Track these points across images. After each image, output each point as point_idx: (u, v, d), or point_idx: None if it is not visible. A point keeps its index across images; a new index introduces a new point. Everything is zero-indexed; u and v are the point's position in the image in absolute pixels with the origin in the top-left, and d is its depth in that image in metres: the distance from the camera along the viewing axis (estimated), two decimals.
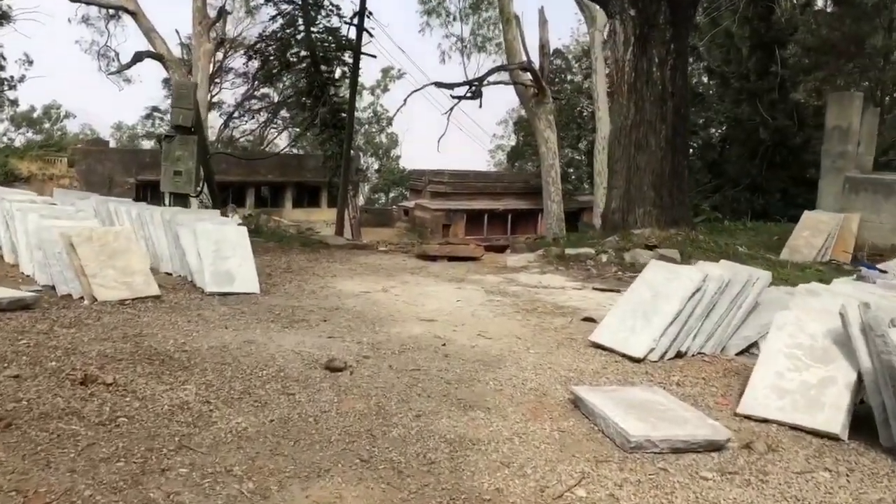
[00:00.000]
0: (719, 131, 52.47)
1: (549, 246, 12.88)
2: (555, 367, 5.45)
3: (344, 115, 41.78)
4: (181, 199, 13.87)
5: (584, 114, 57.15)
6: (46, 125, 75.92)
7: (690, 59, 50.68)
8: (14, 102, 73.31)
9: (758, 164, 40.67)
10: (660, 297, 5.96)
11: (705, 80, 46.46)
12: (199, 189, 13.81)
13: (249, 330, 6.05)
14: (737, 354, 6.19)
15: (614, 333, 5.97)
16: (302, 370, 5.00)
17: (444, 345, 5.87)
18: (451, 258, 11.63)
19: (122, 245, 7.27)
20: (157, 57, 32.43)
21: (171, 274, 8.52)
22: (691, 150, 57.39)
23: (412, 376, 5.01)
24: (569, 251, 11.05)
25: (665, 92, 11.83)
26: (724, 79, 39.35)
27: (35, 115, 74.86)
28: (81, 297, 6.84)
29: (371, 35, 25.44)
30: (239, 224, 15.60)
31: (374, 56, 29.43)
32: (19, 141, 64.20)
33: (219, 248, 7.86)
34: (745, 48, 38.08)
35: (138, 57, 33.20)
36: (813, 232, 11.68)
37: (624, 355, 5.76)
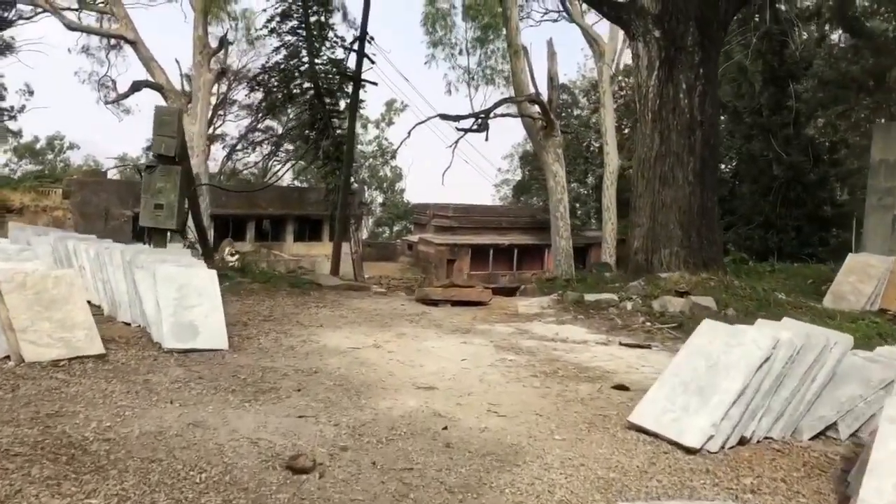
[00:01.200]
0: (730, 167, 51.53)
1: (564, 289, 11.65)
2: (589, 462, 4.20)
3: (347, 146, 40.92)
4: (162, 236, 12.75)
5: (592, 148, 56.35)
6: (50, 156, 75.32)
7: None
8: (17, 134, 72.91)
9: (771, 201, 39.56)
10: (718, 369, 4.72)
11: None
12: (182, 224, 12.66)
13: (201, 406, 4.81)
14: (811, 439, 4.94)
15: (660, 414, 4.72)
16: (256, 471, 3.75)
17: (445, 428, 4.62)
18: (456, 303, 10.42)
19: (63, 293, 6.07)
20: (157, 87, 31.61)
21: (129, 324, 7.33)
22: None
23: (402, 480, 3.76)
24: (588, 297, 9.82)
25: (693, 121, 10.69)
26: (737, 113, 38.37)
27: (38, 146, 74.31)
28: (7, 357, 5.63)
29: (372, 62, 24.49)
30: (231, 257, 14.27)
31: (376, 84, 28.49)
32: (21, 172, 63.47)
33: (182, 295, 6.66)
34: (758, 83, 37.18)
35: (136, 86, 32.40)
36: (860, 277, 10.43)
37: (674, 443, 4.51)
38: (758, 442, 4.73)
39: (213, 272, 6.98)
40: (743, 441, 4.67)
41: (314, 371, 5.95)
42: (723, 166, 53.35)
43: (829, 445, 4.87)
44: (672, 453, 4.42)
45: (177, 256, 7.54)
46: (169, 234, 14.15)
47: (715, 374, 4.71)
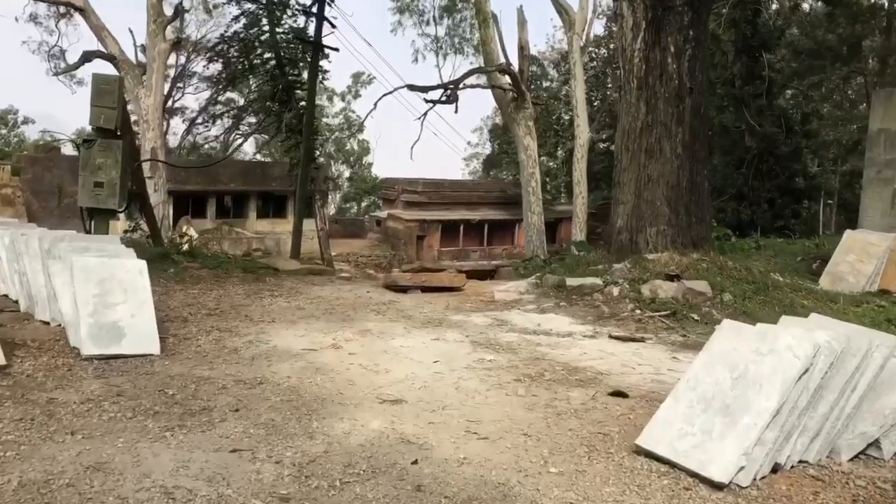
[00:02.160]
0: None
1: (543, 271, 10.81)
2: None
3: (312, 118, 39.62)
4: (104, 217, 11.66)
5: (562, 121, 55.52)
6: (3, 131, 72.69)
7: None
8: None
9: (744, 173, 39.14)
10: (747, 382, 3.88)
11: None
12: (125, 203, 11.57)
13: (110, 437, 3.86)
14: (850, 460, 4.15)
15: (677, 438, 3.88)
16: None
17: (415, 462, 3.72)
18: (427, 289, 9.52)
19: None
20: (109, 57, 30.02)
21: (49, 323, 6.32)
22: None
23: None
24: (570, 282, 8.97)
25: (682, 88, 9.82)
26: (710, 84, 37.68)
27: None
28: None
29: (333, 25, 23.20)
30: (182, 238, 13.34)
31: (337, 50, 27.24)
32: None
33: (105, 290, 5.67)
34: (731, 52, 36.50)
35: (87, 57, 30.73)
36: (859, 256, 9.72)
37: (697, 476, 3.67)
38: (792, 468, 3.92)
39: (143, 262, 5.98)
40: (776, 468, 3.85)
41: (259, 382, 5.01)
42: None
43: (874, 468, 4.09)
44: (695, 489, 3.58)
45: (102, 244, 6.52)
46: (124, 216, 13.11)
47: (744, 389, 3.86)
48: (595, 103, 51.85)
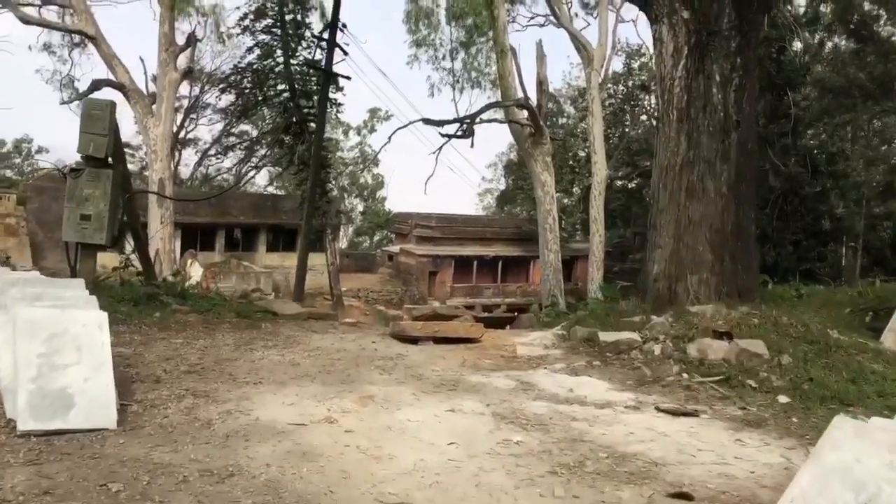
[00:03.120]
0: None
1: (570, 321, 9.76)
2: None
3: (325, 153, 38.97)
4: (90, 253, 10.73)
5: (579, 157, 54.76)
6: (17, 160, 72.58)
7: None
8: None
9: (768, 214, 38.03)
10: None
11: None
12: (114, 239, 10.64)
13: None
14: None
15: None
16: None
17: None
18: (440, 339, 8.48)
19: None
20: (118, 86, 29.47)
21: None
22: None
23: None
24: (603, 337, 7.91)
25: (728, 120, 8.85)
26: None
27: (4, 149, 71.67)
28: None
29: (344, 52, 22.41)
30: (192, 270, 12.67)
31: (349, 78, 26.46)
32: None
33: (53, 349, 4.68)
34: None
35: (95, 85, 30.18)
36: None
37: None
38: None
39: (103, 315, 4.98)
40: None
41: (230, 473, 3.98)
42: None
43: None
44: None
45: (61, 290, 5.54)
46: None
47: None
48: (612, 140, 51.11)
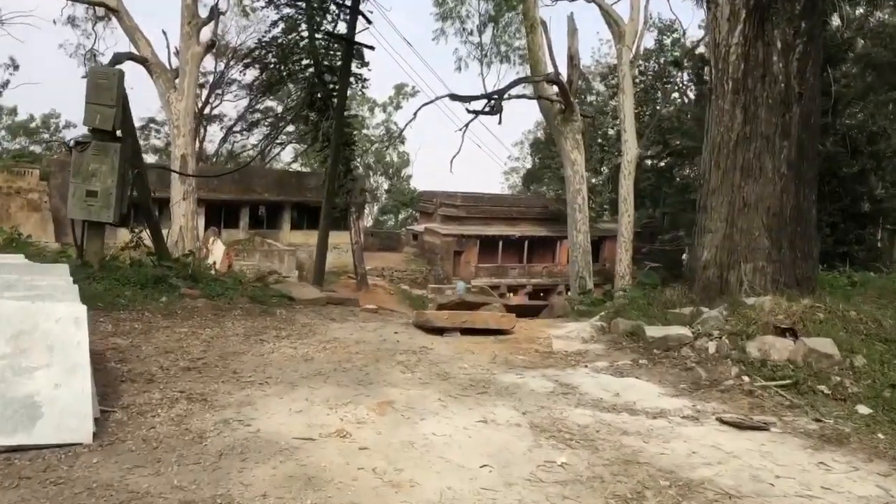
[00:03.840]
0: None
1: (608, 310, 8.99)
2: None
3: (349, 130, 38.25)
4: (98, 231, 10.16)
5: (609, 135, 53.61)
6: (46, 135, 72.64)
7: None
8: (13, 111, 70.35)
9: None
10: None
11: None
12: (122, 216, 10.03)
13: None
14: None
15: None
16: None
17: None
18: (467, 331, 7.75)
19: None
20: (140, 60, 28.90)
21: None
22: None
23: None
24: (650, 332, 7.12)
25: (790, 92, 7.96)
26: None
27: (33, 124, 71.71)
28: None
29: (368, 21, 21.55)
30: (212, 247, 12.14)
31: (373, 48, 25.69)
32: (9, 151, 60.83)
33: (20, 349, 4.02)
34: None
35: (117, 59, 29.59)
36: None
37: None
38: None
39: (81, 309, 4.30)
40: None
41: None
42: None
43: None
44: None
45: (39, 276, 4.88)
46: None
47: None
48: (643, 118, 49.87)
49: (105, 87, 9.88)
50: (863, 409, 5.43)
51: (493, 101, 26.25)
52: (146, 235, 11.48)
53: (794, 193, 8.09)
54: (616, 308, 9.01)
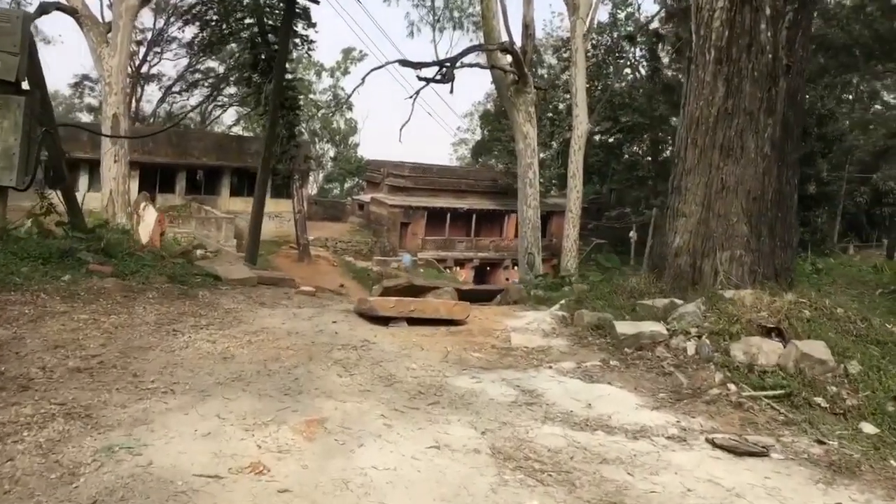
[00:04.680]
0: None
1: (567, 299, 8.23)
2: None
3: (294, 93, 36.74)
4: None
5: (559, 109, 53.00)
6: None
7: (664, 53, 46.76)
8: None
9: None
10: None
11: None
12: (26, 180, 8.84)
13: None
14: None
15: None
16: None
17: None
18: (415, 321, 6.89)
19: None
20: (69, 10, 26.98)
21: None
22: (668, 152, 53.53)
23: None
24: (621, 328, 6.34)
25: (777, 64, 7.23)
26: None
27: None
28: None
29: None
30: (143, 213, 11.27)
31: (317, 2, 24.43)
32: None
33: None
34: None
35: (44, 9, 27.47)
36: None
37: None
38: None
39: None
40: None
41: None
42: None
43: None
44: None
45: None
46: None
47: None
48: (595, 94, 49.33)
49: (7, 31, 8.65)
50: (868, 428, 4.74)
51: (445, 69, 25.28)
52: (60, 202, 10.32)
53: (776, 176, 7.39)
54: (577, 296, 8.25)
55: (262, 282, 8.56)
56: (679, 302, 6.92)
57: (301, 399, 4.44)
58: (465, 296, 8.65)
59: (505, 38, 27.25)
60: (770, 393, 5.17)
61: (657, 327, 6.30)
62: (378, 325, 6.81)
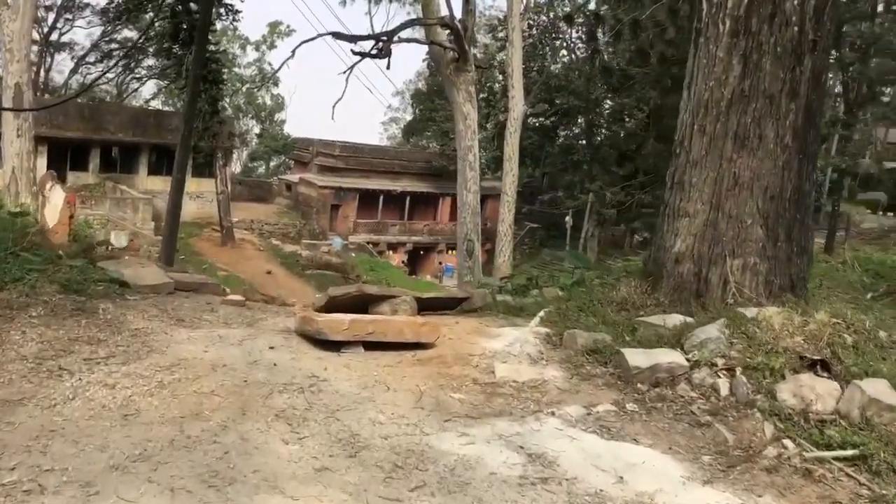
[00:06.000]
0: (634, 119, 48.35)
1: (547, 311, 7.01)
2: None
3: (217, 66, 34.56)
4: None
5: (495, 90, 51.94)
6: None
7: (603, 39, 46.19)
8: None
9: None
10: None
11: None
12: None
13: None
14: None
15: None
16: None
17: None
18: (373, 345, 5.56)
19: None
20: None
21: None
22: (603, 136, 53.14)
23: None
24: (632, 359, 5.13)
25: (804, 39, 6.13)
26: (665, 61, 34.63)
27: None
28: None
29: None
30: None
31: None
32: None
33: None
34: (673, 30, 33.58)
35: None
36: None
37: None
38: None
39: None
40: None
41: None
42: (627, 118, 50.13)
43: None
44: None
45: None
46: None
47: None
48: (531, 75, 48.40)
49: None
50: None
51: (380, 43, 23.88)
52: None
53: (796, 171, 6.31)
54: (557, 307, 7.05)
55: (181, 288, 7.07)
56: (688, 320, 5.79)
57: (233, 496, 3.08)
58: (425, 304, 7.36)
59: (445, 12, 25.91)
60: (840, 454, 4.06)
61: (675, 357, 5.13)
62: (327, 350, 5.47)
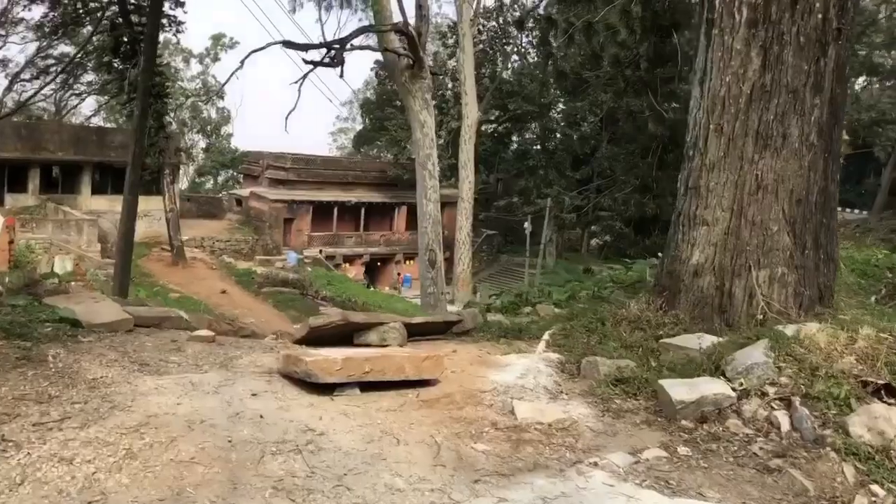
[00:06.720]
0: (590, 123, 48.35)
1: (552, 334, 6.38)
2: None
3: (161, 79, 33.37)
4: None
5: (447, 97, 51.42)
6: None
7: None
8: None
9: (649, 163, 36.49)
10: None
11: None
12: None
13: None
14: None
15: None
16: None
17: None
18: (370, 385, 4.84)
19: None
20: None
21: None
22: (558, 140, 52.94)
23: None
24: (675, 393, 4.50)
25: (828, 27, 5.62)
26: (618, 63, 34.50)
27: None
28: None
29: None
30: None
31: None
32: None
33: None
34: (638, 30, 33.50)
35: None
36: None
37: None
38: None
39: None
40: None
41: None
42: (581, 122, 50.05)
43: None
44: None
45: None
46: None
47: None
48: (483, 81, 48.04)
49: None
50: None
51: (333, 52, 23.12)
52: None
53: (822, 171, 5.80)
54: (563, 330, 6.42)
55: (140, 324, 6.24)
56: (723, 340, 5.20)
57: None
58: (414, 330, 6.68)
59: (398, 18, 25.26)
60: None
61: (719, 387, 4.53)
62: (318, 394, 4.74)
